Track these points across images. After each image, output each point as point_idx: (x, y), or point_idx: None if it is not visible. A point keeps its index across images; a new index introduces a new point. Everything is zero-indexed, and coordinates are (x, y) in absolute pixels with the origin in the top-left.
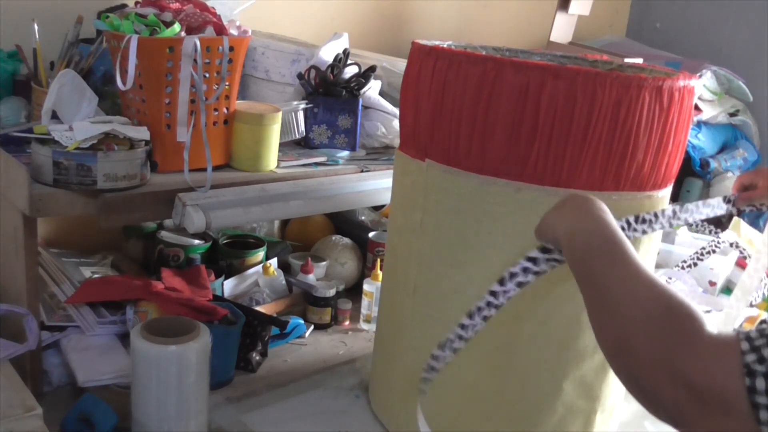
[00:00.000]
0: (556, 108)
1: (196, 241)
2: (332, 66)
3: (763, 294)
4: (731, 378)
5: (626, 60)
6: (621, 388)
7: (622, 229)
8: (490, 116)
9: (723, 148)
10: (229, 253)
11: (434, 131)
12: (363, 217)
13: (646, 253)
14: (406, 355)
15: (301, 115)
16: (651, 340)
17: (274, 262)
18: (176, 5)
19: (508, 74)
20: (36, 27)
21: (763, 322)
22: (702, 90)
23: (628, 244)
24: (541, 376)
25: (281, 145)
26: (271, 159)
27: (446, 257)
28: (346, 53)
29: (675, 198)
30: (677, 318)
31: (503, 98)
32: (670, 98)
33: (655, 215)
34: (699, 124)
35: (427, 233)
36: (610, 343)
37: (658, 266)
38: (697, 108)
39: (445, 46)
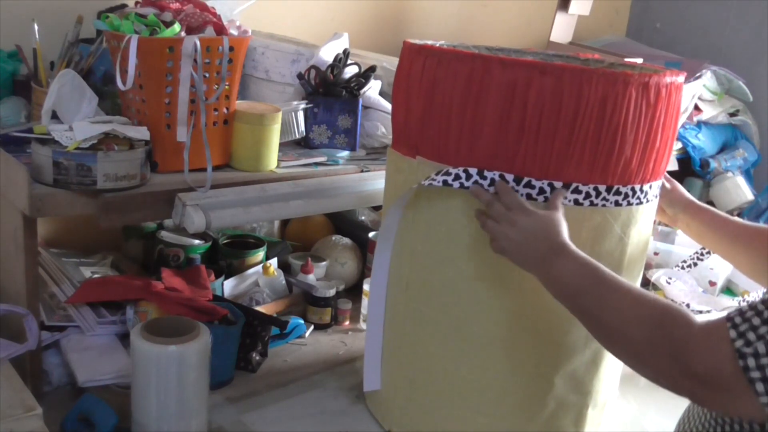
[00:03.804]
0: (543, 104)
1: (196, 241)
2: (332, 66)
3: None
4: (726, 363)
5: (626, 60)
6: (614, 385)
7: None
8: (479, 113)
9: (723, 148)
10: (229, 253)
11: (424, 128)
12: (363, 217)
13: (631, 261)
14: (399, 352)
15: (301, 115)
16: (654, 354)
17: (274, 262)
18: (176, 5)
19: (496, 71)
20: (36, 27)
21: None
22: (702, 90)
23: (606, 271)
24: (531, 371)
25: (281, 145)
26: (271, 159)
27: (437, 253)
28: (346, 53)
29: None
30: (669, 326)
31: (491, 95)
32: (657, 94)
33: None
34: (699, 124)
35: (418, 229)
36: (622, 357)
37: (658, 266)
38: (697, 108)
39: (438, 45)
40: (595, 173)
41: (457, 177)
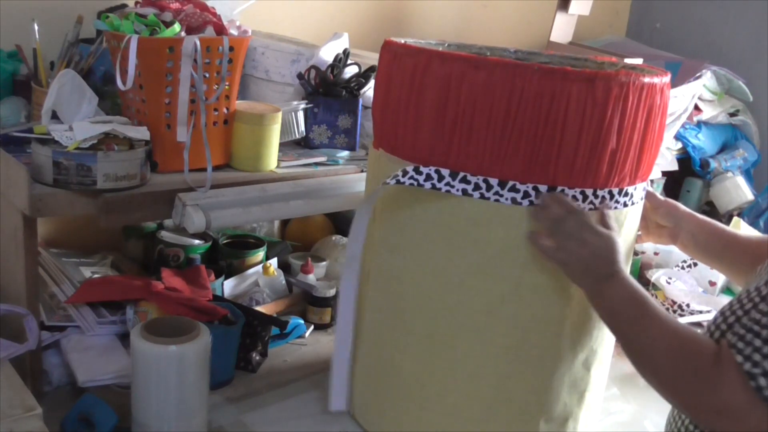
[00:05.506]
0: (475, 99)
1: (196, 241)
2: (332, 66)
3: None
4: (739, 392)
5: (626, 60)
6: (580, 401)
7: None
8: (420, 106)
9: (723, 148)
10: (229, 253)
11: (383, 122)
12: None
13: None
14: (359, 337)
15: (301, 115)
16: (677, 385)
17: (274, 262)
18: (176, 5)
19: (435, 65)
20: (36, 27)
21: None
22: (702, 90)
23: (653, 303)
24: (472, 370)
25: (281, 145)
26: (271, 159)
27: (389, 243)
28: (346, 53)
29: (674, 198)
30: (690, 359)
31: (430, 89)
32: (606, 93)
33: None
34: (699, 124)
35: (377, 220)
36: (652, 385)
37: (658, 266)
38: (697, 108)
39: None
40: (534, 172)
41: (395, 175)
